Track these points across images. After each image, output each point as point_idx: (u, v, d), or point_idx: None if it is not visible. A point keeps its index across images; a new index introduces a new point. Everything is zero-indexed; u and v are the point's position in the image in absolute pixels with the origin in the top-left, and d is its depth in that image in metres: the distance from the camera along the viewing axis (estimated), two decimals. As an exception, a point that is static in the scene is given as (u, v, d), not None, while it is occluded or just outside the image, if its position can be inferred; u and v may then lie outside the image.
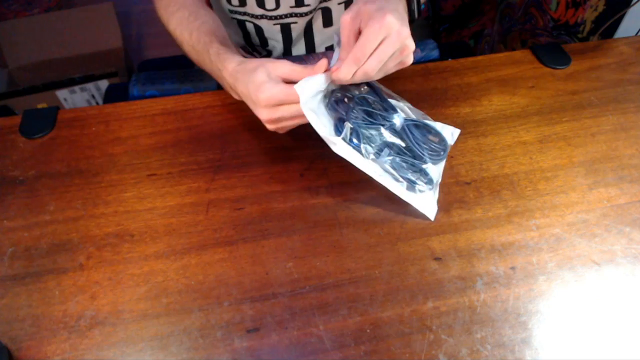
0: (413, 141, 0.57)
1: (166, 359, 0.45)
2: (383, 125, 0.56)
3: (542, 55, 0.73)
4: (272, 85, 0.51)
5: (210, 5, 0.84)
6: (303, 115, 0.52)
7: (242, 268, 0.51)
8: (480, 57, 0.73)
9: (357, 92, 0.57)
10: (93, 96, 1.62)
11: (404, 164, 0.56)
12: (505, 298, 0.49)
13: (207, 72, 0.63)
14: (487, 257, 0.52)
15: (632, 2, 0.85)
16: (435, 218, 0.55)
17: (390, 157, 0.55)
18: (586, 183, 0.58)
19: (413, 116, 0.60)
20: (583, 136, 0.63)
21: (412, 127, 0.58)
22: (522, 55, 0.74)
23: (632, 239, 0.53)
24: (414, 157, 0.56)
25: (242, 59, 0.57)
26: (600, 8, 0.98)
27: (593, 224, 0.55)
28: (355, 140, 0.54)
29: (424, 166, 0.56)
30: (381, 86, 0.60)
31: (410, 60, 0.53)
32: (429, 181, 0.56)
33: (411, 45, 0.51)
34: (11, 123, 0.65)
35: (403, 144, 0.57)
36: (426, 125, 0.58)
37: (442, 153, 0.57)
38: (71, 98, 1.59)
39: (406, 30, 0.50)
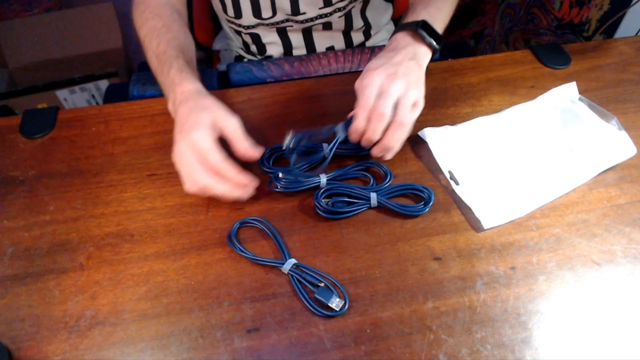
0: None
1: (166, 359, 0.45)
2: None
3: (542, 55, 0.73)
4: (207, 135, 0.50)
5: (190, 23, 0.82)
6: (207, 179, 0.51)
7: (242, 268, 0.51)
8: (480, 57, 0.73)
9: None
10: (93, 96, 1.62)
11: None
12: (505, 298, 0.49)
13: (158, 82, 0.61)
14: (487, 257, 0.52)
15: (632, 2, 0.85)
16: (435, 218, 0.55)
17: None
18: (586, 183, 0.58)
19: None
20: (583, 136, 0.63)
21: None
22: (522, 55, 0.74)
23: (632, 239, 0.53)
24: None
25: (201, 87, 0.57)
26: (606, 7, 0.98)
27: (593, 224, 0.55)
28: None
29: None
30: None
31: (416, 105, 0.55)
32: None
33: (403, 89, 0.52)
34: (11, 123, 0.65)
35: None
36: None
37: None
38: (71, 98, 1.59)
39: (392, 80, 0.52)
